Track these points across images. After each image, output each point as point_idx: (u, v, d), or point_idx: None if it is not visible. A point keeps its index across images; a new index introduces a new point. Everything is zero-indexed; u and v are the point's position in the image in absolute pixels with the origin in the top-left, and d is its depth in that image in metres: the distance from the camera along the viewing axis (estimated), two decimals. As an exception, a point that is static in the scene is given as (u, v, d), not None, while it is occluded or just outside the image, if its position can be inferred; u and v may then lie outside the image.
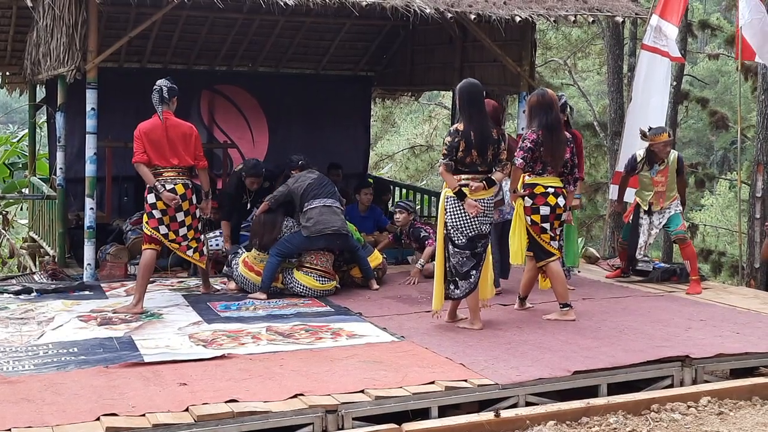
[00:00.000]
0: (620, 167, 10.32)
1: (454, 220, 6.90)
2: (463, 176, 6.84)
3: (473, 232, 6.89)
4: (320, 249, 8.31)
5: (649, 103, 10.45)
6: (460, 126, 6.86)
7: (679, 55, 11.11)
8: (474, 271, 6.96)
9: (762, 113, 12.73)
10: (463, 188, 6.82)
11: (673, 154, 8.85)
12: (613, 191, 10.94)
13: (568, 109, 8.20)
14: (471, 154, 6.80)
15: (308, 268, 8.26)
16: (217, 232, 9.59)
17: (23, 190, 13.88)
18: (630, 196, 9.34)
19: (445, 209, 6.94)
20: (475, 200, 6.83)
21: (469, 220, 6.86)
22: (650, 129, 8.85)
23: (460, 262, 6.94)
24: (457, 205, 6.87)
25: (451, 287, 7.02)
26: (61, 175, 9.80)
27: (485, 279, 7.12)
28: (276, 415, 5.00)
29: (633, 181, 9.19)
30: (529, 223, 7.31)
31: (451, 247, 6.96)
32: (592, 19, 10.19)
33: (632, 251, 9.09)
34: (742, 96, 14.38)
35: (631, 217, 9.11)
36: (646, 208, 8.87)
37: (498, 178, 6.98)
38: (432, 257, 8.92)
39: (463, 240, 6.90)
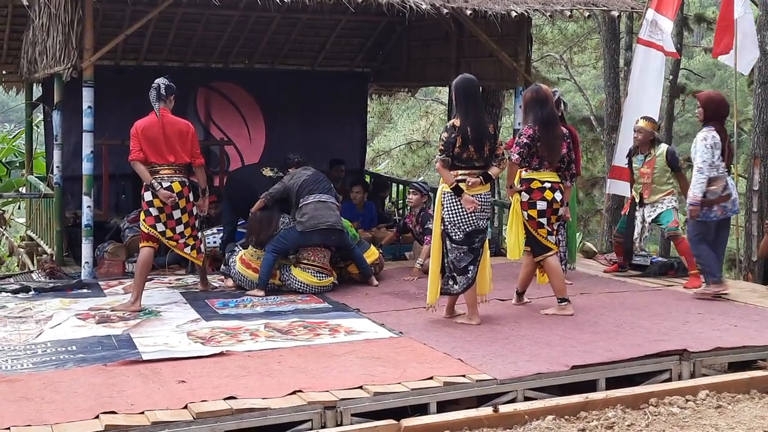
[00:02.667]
0: (617, 161, 10.34)
1: (451, 215, 6.90)
2: (460, 172, 6.84)
3: (470, 228, 6.90)
4: (315, 244, 8.31)
5: (644, 97, 10.47)
6: (456, 121, 6.86)
7: (674, 50, 11.12)
8: (472, 267, 6.97)
9: (758, 107, 12.73)
10: (460, 184, 6.83)
11: (662, 148, 8.89)
12: (610, 186, 10.96)
13: (562, 105, 8.22)
14: (468, 150, 6.80)
15: (305, 265, 8.26)
16: (215, 230, 9.59)
17: (20, 189, 13.88)
18: (628, 190, 9.38)
19: (442, 205, 6.94)
20: (472, 195, 6.84)
21: (466, 216, 6.86)
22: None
23: (457, 258, 6.94)
24: (454, 200, 6.87)
25: (450, 283, 7.02)
26: (58, 174, 9.80)
27: (483, 274, 7.12)
28: (275, 412, 5.00)
29: (626, 174, 9.27)
30: (526, 218, 7.32)
31: (448, 242, 6.96)
32: (588, 13, 10.19)
33: (628, 244, 9.11)
34: (739, 89, 14.39)
35: (627, 210, 9.15)
36: (638, 200, 8.92)
37: (495, 174, 6.99)
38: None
39: (461, 235, 6.91)
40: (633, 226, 8.98)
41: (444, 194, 6.93)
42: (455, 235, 6.92)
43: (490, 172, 6.93)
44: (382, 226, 10.84)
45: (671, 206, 8.84)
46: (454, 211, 6.89)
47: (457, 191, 6.83)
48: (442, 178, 6.92)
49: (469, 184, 6.83)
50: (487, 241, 7.17)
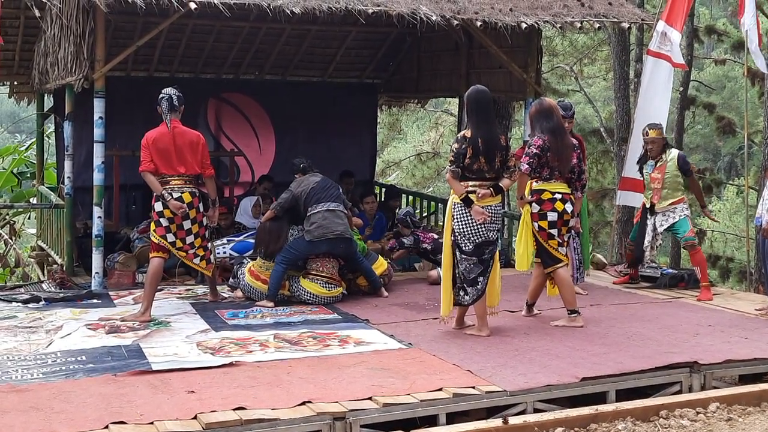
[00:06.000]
0: (627, 173, 10.32)
1: (461, 226, 6.90)
2: (470, 183, 6.84)
3: (480, 239, 6.89)
4: (323, 254, 8.31)
5: (651, 107, 10.45)
6: (467, 132, 6.86)
7: (682, 62, 11.08)
8: (481, 278, 6.96)
9: (769, 118, 12.71)
10: (470, 195, 6.83)
11: (673, 153, 8.87)
12: (620, 197, 10.94)
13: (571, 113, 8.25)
14: (478, 161, 6.80)
15: (314, 275, 8.26)
16: (225, 240, 9.60)
17: (31, 200, 13.92)
18: (640, 201, 9.38)
19: (453, 216, 6.94)
20: (482, 207, 6.84)
21: (476, 227, 6.86)
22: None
23: (467, 269, 6.94)
24: (464, 211, 6.87)
25: (461, 293, 7.02)
26: (68, 184, 9.83)
27: (493, 285, 7.12)
28: (284, 423, 5.00)
29: (640, 185, 9.26)
30: (537, 229, 7.31)
31: (458, 253, 6.96)
32: (598, 25, 10.19)
33: (638, 252, 9.08)
34: (749, 101, 14.38)
35: (639, 218, 9.14)
36: (649, 206, 8.90)
37: (506, 185, 6.98)
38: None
39: (470, 246, 6.90)
40: (644, 234, 8.95)
41: (454, 205, 6.93)
42: (465, 246, 6.92)
43: (501, 184, 6.92)
44: (390, 235, 10.82)
45: (684, 215, 8.80)
46: (463, 223, 6.88)
47: (467, 202, 6.83)
48: (452, 189, 6.92)
49: (479, 196, 6.82)
50: (497, 252, 7.16)
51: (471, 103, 6.94)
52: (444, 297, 7.07)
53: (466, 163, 6.80)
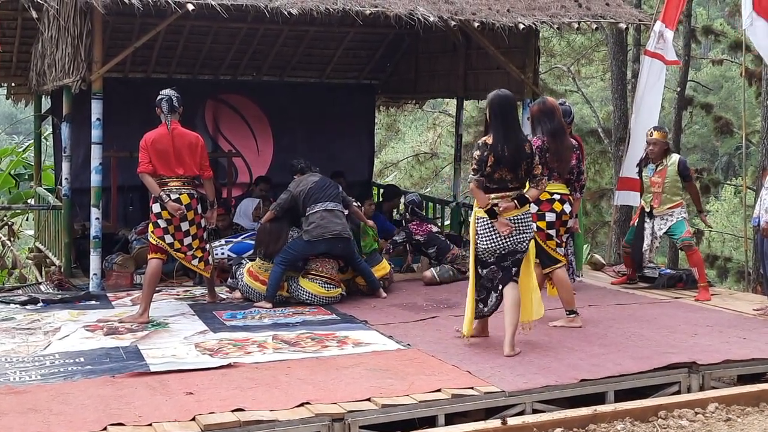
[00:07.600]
0: (625, 173, 10.33)
1: (485, 242, 6.46)
2: (492, 195, 6.40)
3: (506, 251, 6.48)
4: (322, 254, 8.31)
5: (646, 106, 10.46)
6: (488, 139, 6.41)
7: (675, 58, 11.07)
8: (500, 285, 6.61)
9: (766, 118, 12.71)
10: (494, 207, 6.41)
11: (674, 158, 8.89)
12: (618, 197, 10.95)
13: (571, 116, 8.23)
14: (500, 170, 6.38)
15: (314, 275, 8.26)
16: (223, 241, 9.60)
17: (29, 201, 13.91)
18: (638, 200, 9.39)
19: (477, 231, 6.52)
20: (507, 219, 6.43)
21: (501, 241, 6.45)
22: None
23: (488, 277, 6.61)
24: (488, 226, 6.45)
25: (480, 305, 6.71)
26: (66, 186, 9.82)
27: (527, 297, 6.67)
28: (283, 424, 5.00)
29: (638, 185, 9.26)
30: (535, 230, 7.28)
31: (479, 268, 6.61)
32: (595, 26, 10.19)
33: (635, 255, 9.09)
34: (747, 101, 14.38)
35: (636, 221, 9.14)
36: (648, 210, 8.91)
37: (533, 196, 6.58)
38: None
39: (492, 258, 6.54)
40: (642, 237, 8.96)
41: (478, 220, 6.49)
42: (487, 259, 6.55)
43: (527, 195, 6.51)
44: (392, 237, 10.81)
45: (681, 217, 8.82)
46: (489, 238, 6.45)
47: (491, 214, 6.39)
48: (476, 200, 6.50)
49: (501, 209, 6.39)
50: (531, 264, 6.75)
51: (493, 109, 6.50)
52: (467, 315, 6.70)
53: (487, 172, 6.38)
